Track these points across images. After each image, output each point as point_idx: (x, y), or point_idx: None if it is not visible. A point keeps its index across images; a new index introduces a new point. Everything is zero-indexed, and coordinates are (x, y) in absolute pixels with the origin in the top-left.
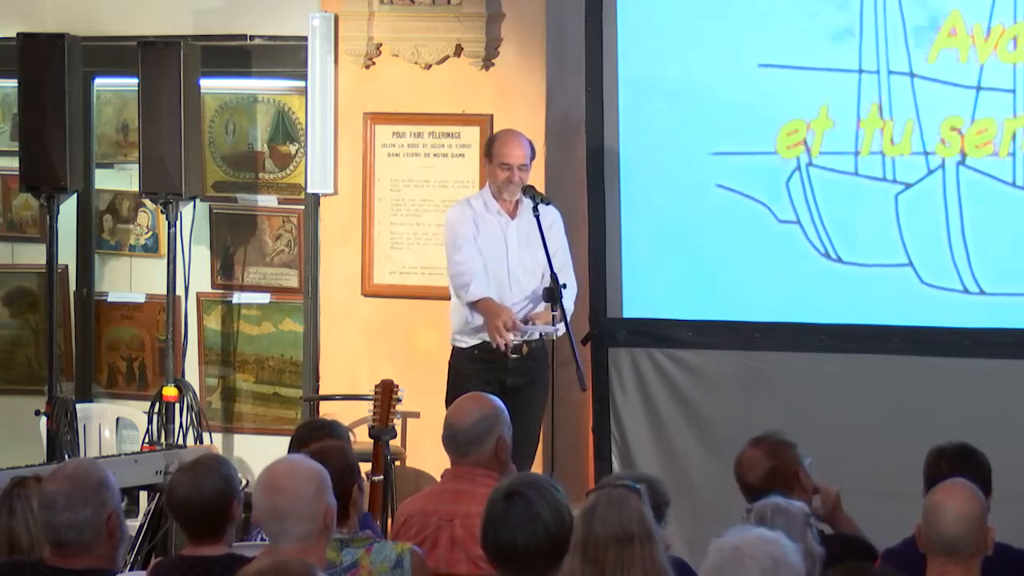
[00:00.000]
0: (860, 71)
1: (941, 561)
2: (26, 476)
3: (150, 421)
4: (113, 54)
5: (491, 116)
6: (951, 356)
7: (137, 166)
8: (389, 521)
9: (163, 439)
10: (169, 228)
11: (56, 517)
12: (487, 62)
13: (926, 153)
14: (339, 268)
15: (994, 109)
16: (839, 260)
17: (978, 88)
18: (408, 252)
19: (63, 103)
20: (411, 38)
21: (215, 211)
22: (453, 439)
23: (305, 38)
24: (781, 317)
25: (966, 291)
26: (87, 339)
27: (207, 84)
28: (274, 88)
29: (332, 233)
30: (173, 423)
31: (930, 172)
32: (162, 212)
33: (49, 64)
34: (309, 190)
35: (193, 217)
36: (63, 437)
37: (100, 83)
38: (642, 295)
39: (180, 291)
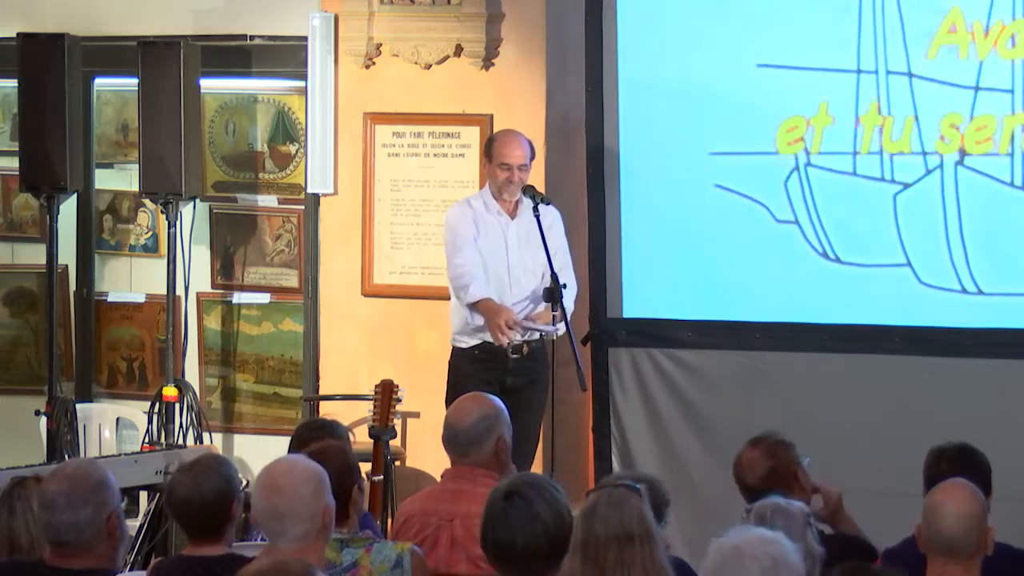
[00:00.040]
0: (858, 71)
1: (941, 561)
2: (26, 476)
3: (150, 421)
4: (113, 54)
5: (491, 116)
6: (951, 356)
7: (137, 166)
8: (389, 521)
9: (163, 439)
10: (169, 228)
11: (56, 517)
12: (487, 62)
13: (924, 154)
14: (339, 268)
15: (994, 106)
16: (837, 260)
17: (976, 88)
18: (408, 252)
19: (63, 103)
20: (411, 38)
21: (215, 211)
22: (453, 439)
23: (305, 38)
24: (779, 317)
25: (964, 291)
26: (87, 339)
27: (207, 84)
28: (274, 88)
29: (332, 233)
30: (173, 423)
31: (928, 172)
32: (162, 212)
33: (49, 64)
34: (309, 190)
35: (193, 217)
36: (63, 437)
37: (100, 83)
38: (642, 295)
39: (180, 291)
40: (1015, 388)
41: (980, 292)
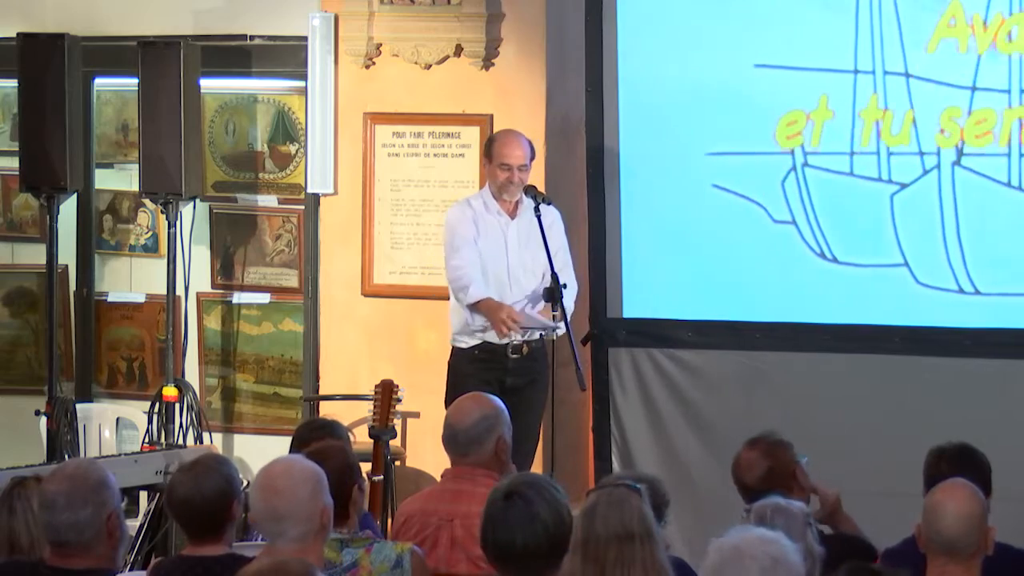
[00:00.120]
0: (856, 71)
1: (941, 561)
2: (26, 476)
3: (150, 421)
4: (113, 54)
5: (491, 116)
6: (951, 356)
7: (137, 166)
8: (389, 521)
9: (163, 439)
10: (169, 228)
11: (56, 517)
12: (487, 62)
13: (921, 154)
14: (339, 268)
15: (993, 99)
16: (835, 260)
17: (973, 88)
18: (408, 252)
19: (63, 103)
20: (411, 38)
21: (215, 211)
22: (453, 439)
23: (305, 38)
24: (777, 317)
25: (961, 291)
26: (87, 339)
27: (207, 84)
28: (274, 88)
29: (332, 233)
30: (173, 423)
31: (925, 172)
32: (162, 212)
33: (49, 64)
34: (309, 190)
35: (193, 217)
36: (63, 437)
37: (100, 83)
38: (642, 295)
39: (180, 291)
40: (1015, 388)
41: (977, 292)
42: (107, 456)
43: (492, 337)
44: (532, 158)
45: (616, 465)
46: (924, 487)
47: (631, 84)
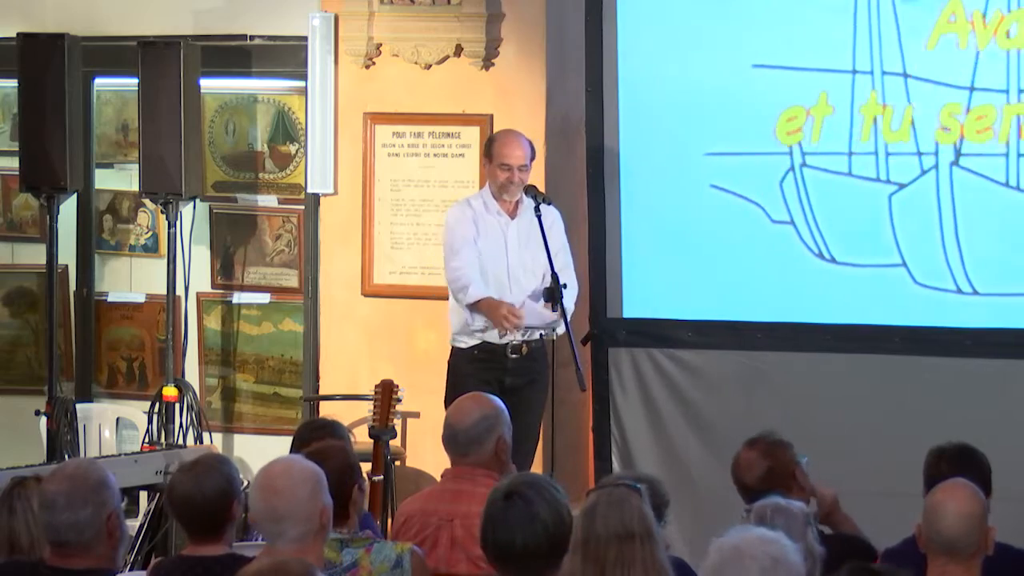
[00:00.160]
0: (854, 72)
1: (942, 561)
2: (26, 476)
3: (150, 421)
4: (113, 54)
5: (491, 116)
6: (951, 356)
7: (137, 166)
8: (389, 521)
9: (163, 439)
10: (169, 228)
11: (56, 517)
12: (487, 62)
13: (919, 154)
14: (339, 268)
15: (993, 95)
16: (833, 260)
17: (971, 89)
18: (408, 252)
19: (63, 103)
20: (411, 38)
21: (215, 211)
22: (453, 439)
23: (305, 38)
24: (775, 317)
25: (959, 291)
26: (87, 339)
27: (207, 84)
28: (274, 88)
29: (332, 233)
30: (173, 423)
31: (923, 172)
32: (162, 212)
33: (49, 64)
34: (309, 190)
35: (193, 217)
36: (63, 437)
37: (100, 83)
38: (642, 295)
39: (180, 291)
40: (1015, 388)
41: (975, 292)
42: (107, 456)
43: (491, 337)
44: (532, 158)
45: (616, 465)
46: (924, 487)
47: (631, 84)
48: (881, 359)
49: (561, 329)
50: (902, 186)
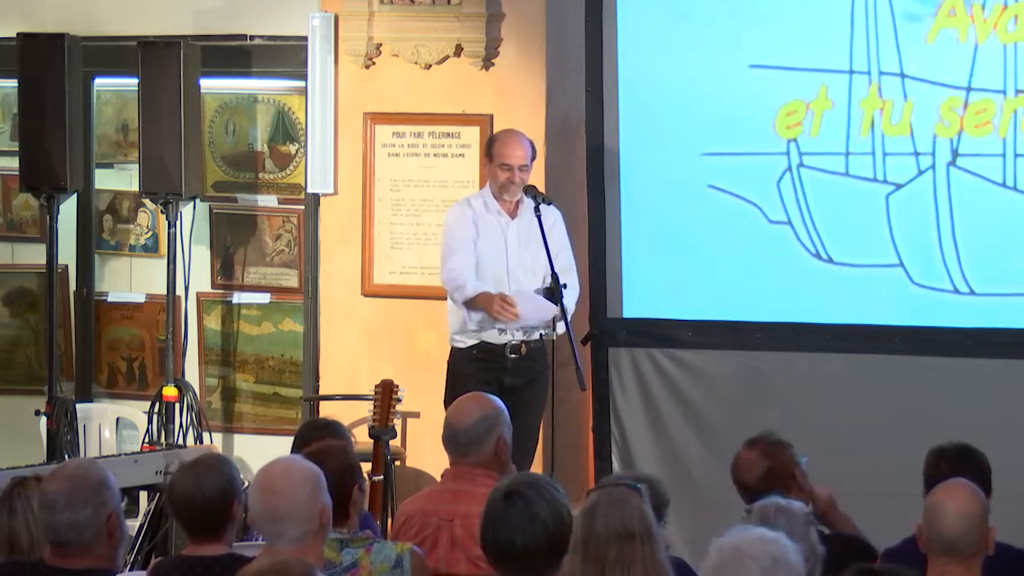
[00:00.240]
0: (851, 72)
1: (942, 561)
2: (26, 476)
3: (150, 421)
4: (113, 54)
5: (491, 116)
6: (952, 356)
7: (137, 166)
8: (389, 521)
9: (163, 439)
10: (169, 228)
11: (56, 517)
12: (487, 62)
13: (916, 154)
14: (339, 268)
15: (993, 90)
16: (830, 260)
17: (968, 89)
18: (408, 252)
19: (63, 103)
20: (411, 38)
21: (215, 211)
22: (453, 439)
23: (305, 38)
24: (773, 317)
25: (956, 291)
26: (87, 339)
27: (207, 84)
28: (274, 88)
29: (332, 233)
30: (173, 423)
31: (920, 173)
32: (162, 212)
33: (49, 64)
34: (309, 190)
35: (193, 217)
36: (63, 437)
37: (100, 83)
38: (642, 295)
39: (180, 291)
40: (1015, 388)
41: (972, 292)
42: (107, 456)
43: (491, 337)
44: (533, 158)
45: (616, 465)
46: (924, 487)
47: (631, 84)
48: (881, 359)
49: (561, 329)
50: (899, 186)
